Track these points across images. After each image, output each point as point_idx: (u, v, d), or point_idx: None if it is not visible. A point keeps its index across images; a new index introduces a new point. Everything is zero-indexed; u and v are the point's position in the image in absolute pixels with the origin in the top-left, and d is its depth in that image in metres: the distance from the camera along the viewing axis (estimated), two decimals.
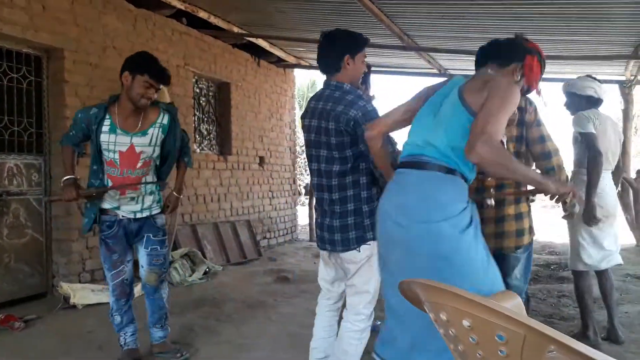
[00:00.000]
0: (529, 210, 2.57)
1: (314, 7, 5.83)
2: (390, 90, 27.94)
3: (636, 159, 14.50)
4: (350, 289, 2.53)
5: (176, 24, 6.25)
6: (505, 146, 2.40)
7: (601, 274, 3.55)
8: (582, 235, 3.46)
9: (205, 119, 7.23)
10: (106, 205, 2.94)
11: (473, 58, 2.29)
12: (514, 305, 1.63)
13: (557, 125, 4.08)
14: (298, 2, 5.67)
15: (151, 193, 3.03)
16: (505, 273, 2.39)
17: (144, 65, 2.85)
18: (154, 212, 3.04)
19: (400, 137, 2.48)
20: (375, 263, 2.47)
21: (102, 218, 2.95)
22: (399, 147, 2.31)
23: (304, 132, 2.60)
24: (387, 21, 5.76)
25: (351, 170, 2.40)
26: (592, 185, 3.29)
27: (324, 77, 2.58)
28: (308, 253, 7.61)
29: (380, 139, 2.21)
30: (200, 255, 5.95)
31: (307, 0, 5.55)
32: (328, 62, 2.49)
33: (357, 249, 2.42)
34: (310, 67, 9.41)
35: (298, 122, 13.09)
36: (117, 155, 2.87)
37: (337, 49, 2.45)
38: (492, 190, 2.44)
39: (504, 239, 2.48)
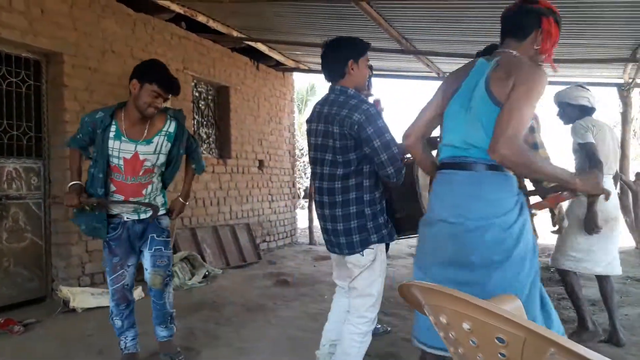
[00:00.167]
0: (530, 212, 2.58)
1: (313, 11, 5.84)
2: (389, 93, 28.01)
3: (635, 162, 14.54)
4: (353, 292, 2.54)
5: (175, 28, 6.27)
6: None
7: (602, 278, 3.57)
8: (576, 239, 3.47)
9: (205, 122, 7.23)
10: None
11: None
12: (514, 307, 1.63)
13: (555, 128, 4.09)
14: (297, 6, 5.68)
15: (155, 197, 3.02)
16: None
17: (152, 74, 2.80)
18: (158, 214, 3.02)
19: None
20: (379, 266, 2.48)
21: (107, 220, 2.93)
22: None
23: (308, 135, 2.64)
24: (385, 25, 5.77)
25: (354, 172, 2.43)
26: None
27: (323, 81, 2.61)
28: (307, 256, 7.60)
29: (419, 145, 2.18)
30: (199, 258, 5.94)
31: (306, 4, 5.56)
32: (332, 68, 2.54)
33: (361, 252, 2.43)
34: (309, 70, 9.42)
35: (297, 126, 13.13)
36: (122, 162, 2.86)
37: (341, 55, 2.51)
38: None
39: None
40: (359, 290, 2.50)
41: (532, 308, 1.87)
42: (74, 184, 2.88)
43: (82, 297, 4.37)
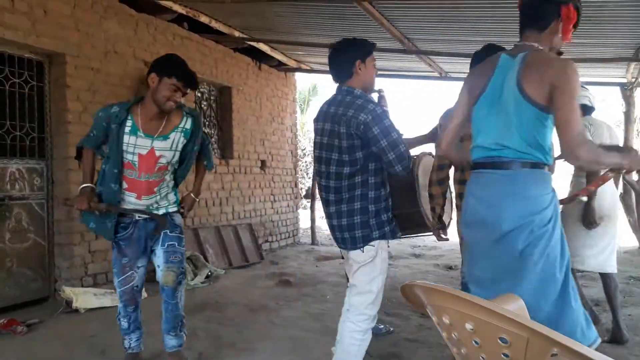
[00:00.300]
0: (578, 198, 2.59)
1: (315, 12, 5.84)
2: (391, 93, 27.98)
3: None
4: (353, 289, 2.56)
5: (177, 29, 6.27)
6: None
7: (605, 276, 3.58)
8: (567, 236, 3.49)
9: (207, 123, 7.23)
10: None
11: None
12: (516, 307, 1.62)
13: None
14: (299, 6, 5.68)
15: (167, 194, 2.99)
16: None
17: (172, 67, 2.77)
18: (170, 210, 2.99)
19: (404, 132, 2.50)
20: (380, 263, 2.49)
21: (117, 220, 2.88)
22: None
23: (315, 134, 2.66)
24: (387, 25, 5.77)
25: (360, 170, 2.46)
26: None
27: (325, 81, 2.64)
28: (310, 256, 7.60)
29: (452, 150, 2.24)
30: (202, 259, 5.95)
31: (308, 4, 5.56)
32: (340, 69, 2.58)
33: (362, 249, 2.45)
34: (311, 70, 9.42)
35: (299, 126, 13.12)
36: (136, 158, 2.81)
37: (348, 56, 2.54)
38: None
39: None
40: (358, 287, 2.52)
41: (568, 298, 1.89)
42: (85, 186, 2.83)
43: (84, 298, 4.38)
